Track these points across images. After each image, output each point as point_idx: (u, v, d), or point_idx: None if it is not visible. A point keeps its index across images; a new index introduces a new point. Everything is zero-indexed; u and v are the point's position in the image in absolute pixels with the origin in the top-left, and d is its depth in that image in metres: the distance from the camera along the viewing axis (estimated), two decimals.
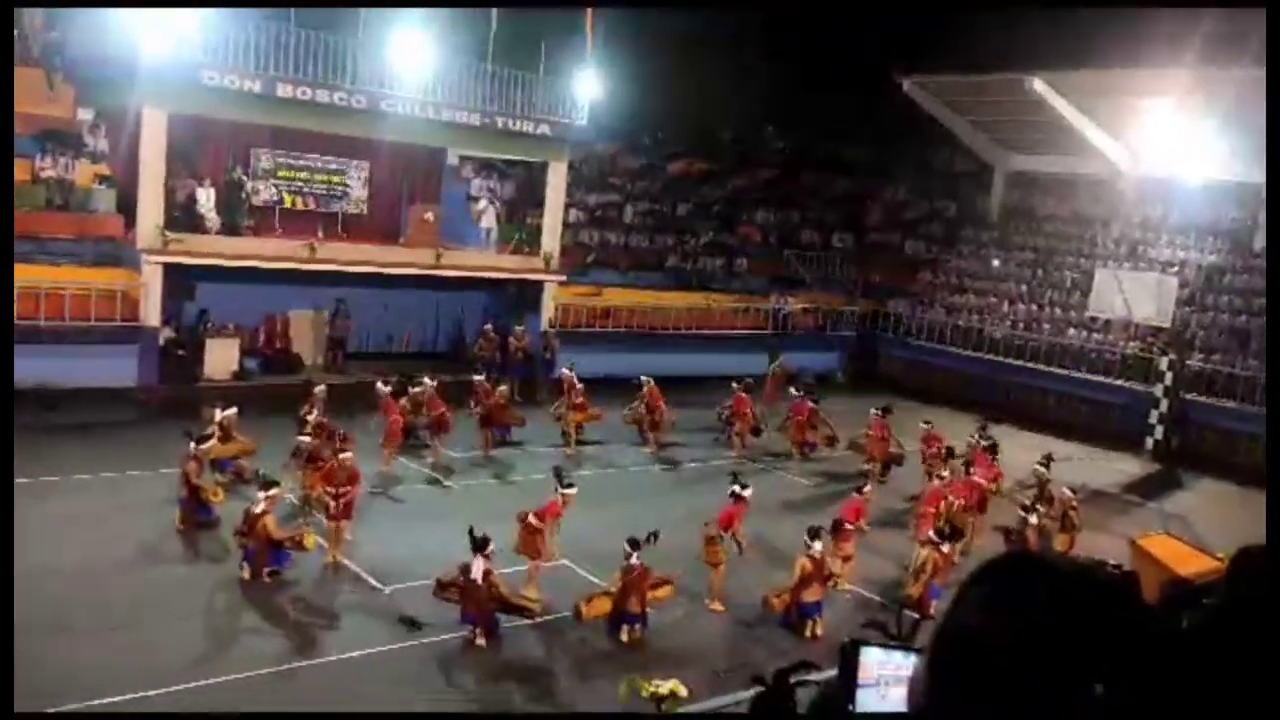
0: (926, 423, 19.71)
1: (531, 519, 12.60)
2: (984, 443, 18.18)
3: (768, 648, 11.67)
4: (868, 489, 14.99)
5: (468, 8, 22.90)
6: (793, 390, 22.11)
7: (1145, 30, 23.58)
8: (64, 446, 16.16)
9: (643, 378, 20.52)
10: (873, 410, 20.10)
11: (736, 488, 13.43)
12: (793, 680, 2.52)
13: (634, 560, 11.57)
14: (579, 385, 19.98)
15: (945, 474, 15.95)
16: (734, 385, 21.18)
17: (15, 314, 17.41)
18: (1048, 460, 17.38)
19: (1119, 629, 1.14)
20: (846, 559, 13.67)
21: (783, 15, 32.24)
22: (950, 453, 18.01)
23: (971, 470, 16.87)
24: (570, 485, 13.08)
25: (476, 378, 19.64)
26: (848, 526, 13.71)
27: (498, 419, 19.29)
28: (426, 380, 18.36)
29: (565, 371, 20.32)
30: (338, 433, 14.67)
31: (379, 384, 17.93)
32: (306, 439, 15.05)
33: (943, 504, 15.07)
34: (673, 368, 22.97)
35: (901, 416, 20.46)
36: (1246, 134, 25.69)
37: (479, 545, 11.13)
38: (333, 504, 13.12)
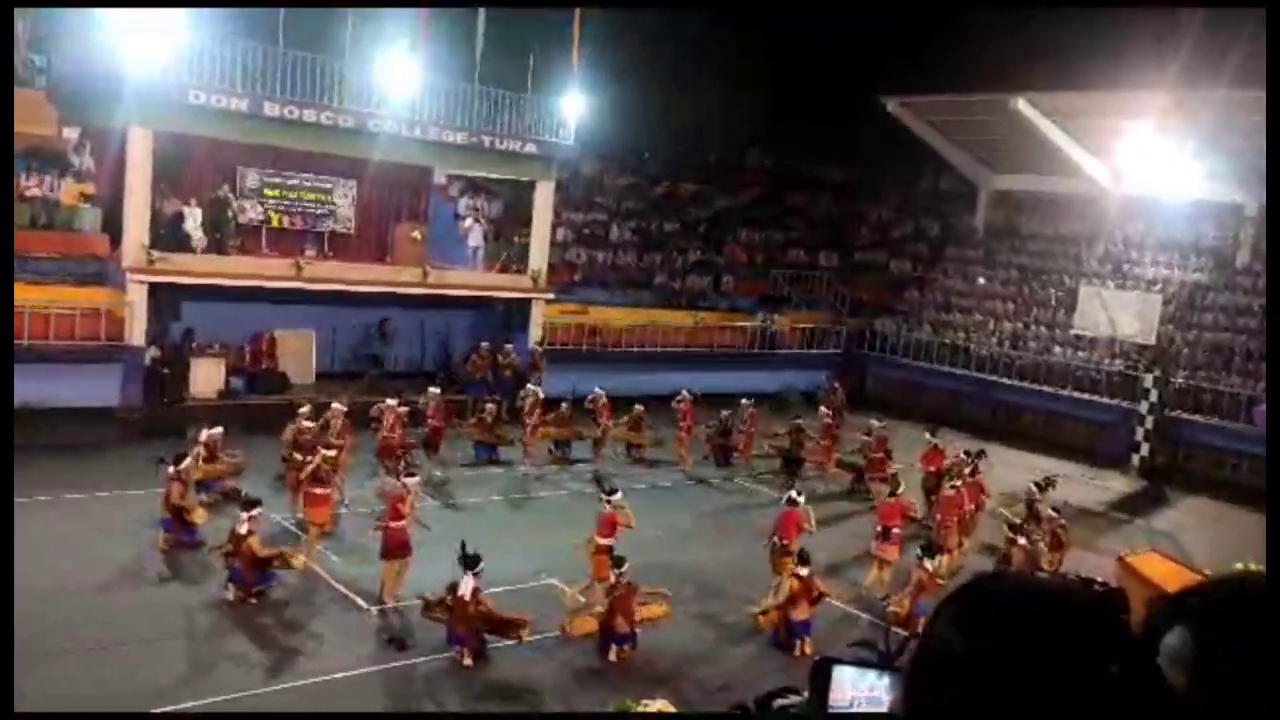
0: (878, 424, 20.21)
1: (598, 540, 12.75)
2: (970, 460, 18.26)
3: (757, 666, 11.63)
4: (900, 491, 15.36)
5: (458, 8, 22.95)
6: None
7: (1126, 53, 23.85)
8: (46, 467, 15.97)
9: (684, 392, 20.84)
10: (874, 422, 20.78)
11: (793, 493, 14.29)
12: (775, 705, 2.50)
13: (621, 575, 11.52)
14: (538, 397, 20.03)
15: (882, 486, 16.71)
16: (684, 397, 21.21)
17: None
18: (1045, 483, 17.36)
19: (1095, 648, 1.14)
20: (886, 564, 14.13)
21: (768, 36, 32.49)
22: (889, 454, 19.20)
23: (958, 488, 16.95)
24: (613, 491, 13.36)
25: (454, 397, 19.64)
26: (895, 531, 14.30)
27: (483, 438, 19.21)
28: (432, 389, 19.01)
29: (524, 391, 20.38)
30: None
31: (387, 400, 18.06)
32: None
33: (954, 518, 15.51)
34: (660, 386, 22.93)
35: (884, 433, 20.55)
36: (1224, 156, 25.97)
37: (469, 563, 11.07)
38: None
